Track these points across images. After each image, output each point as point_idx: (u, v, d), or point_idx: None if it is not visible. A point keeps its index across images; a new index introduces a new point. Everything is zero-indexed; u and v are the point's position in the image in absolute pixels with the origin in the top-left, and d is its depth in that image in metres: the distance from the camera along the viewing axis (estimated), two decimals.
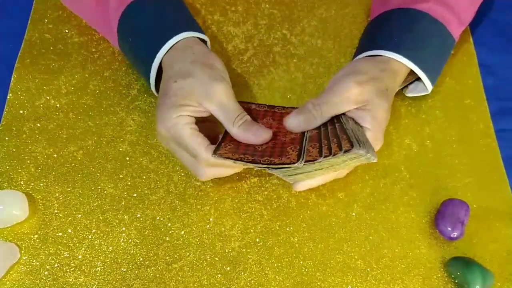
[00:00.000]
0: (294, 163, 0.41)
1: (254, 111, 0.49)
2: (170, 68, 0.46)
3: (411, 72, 0.51)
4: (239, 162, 0.42)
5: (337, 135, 0.43)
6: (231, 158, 0.42)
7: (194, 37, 0.49)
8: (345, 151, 0.40)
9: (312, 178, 0.45)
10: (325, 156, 0.41)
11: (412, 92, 0.55)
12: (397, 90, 0.51)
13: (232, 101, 0.44)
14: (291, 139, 0.45)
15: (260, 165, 0.42)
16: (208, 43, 0.51)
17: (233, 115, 0.43)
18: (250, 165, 0.43)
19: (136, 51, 0.50)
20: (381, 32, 0.51)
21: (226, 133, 0.45)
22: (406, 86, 0.56)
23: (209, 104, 0.43)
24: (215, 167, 0.44)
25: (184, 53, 0.46)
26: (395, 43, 0.49)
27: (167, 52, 0.47)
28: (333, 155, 0.41)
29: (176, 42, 0.47)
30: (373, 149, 0.44)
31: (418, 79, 0.53)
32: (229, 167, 0.45)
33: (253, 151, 0.43)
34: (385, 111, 0.46)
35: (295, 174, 0.44)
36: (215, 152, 0.43)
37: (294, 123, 0.45)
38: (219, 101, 0.43)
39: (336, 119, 0.46)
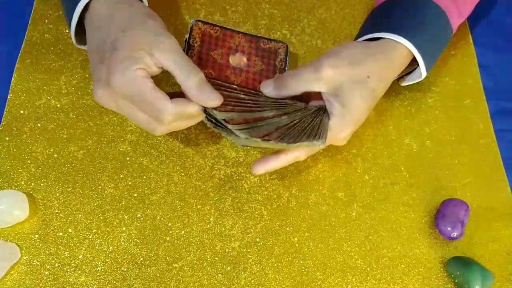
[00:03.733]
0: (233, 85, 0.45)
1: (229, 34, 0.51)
2: (109, 18, 0.43)
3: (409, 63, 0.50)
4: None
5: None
6: None
7: None
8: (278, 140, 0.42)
9: (254, 148, 0.45)
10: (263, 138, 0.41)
11: (407, 81, 0.54)
12: (391, 78, 0.49)
13: (185, 55, 0.42)
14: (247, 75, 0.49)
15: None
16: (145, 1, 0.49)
17: (190, 68, 0.41)
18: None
19: None
20: (381, 17, 0.51)
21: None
22: (402, 77, 0.55)
23: (163, 55, 0.41)
24: (177, 121, 0.43)
25: (123, 4, 0.44)
26: (394, 25, 0.48)
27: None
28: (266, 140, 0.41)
29: None
30: (319, 135, 0.44)
31: (412, 70, 0.52)
32: (190, 119, 0.44)
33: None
34: (361, 99, 0.45)
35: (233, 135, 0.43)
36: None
37: (266, 90, 0.47)
38: (174, 53, 0.41)
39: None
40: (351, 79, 0.44)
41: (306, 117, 0.45)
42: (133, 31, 0.41)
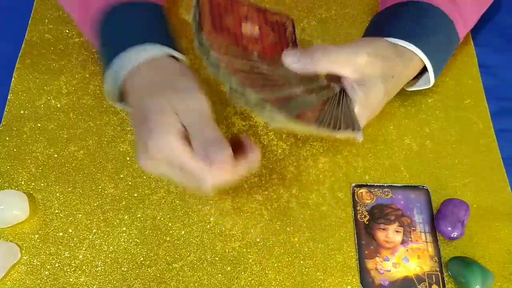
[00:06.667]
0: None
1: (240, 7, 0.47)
2: (143, 80, 0.42)
3: None
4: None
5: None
6: (223, 45, 0.41)
7: (168, 53, 0.45)
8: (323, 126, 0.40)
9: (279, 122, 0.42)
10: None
11: (414, 87, 0.55)
12: (403, 84, 0.50)
13: (212, 122, 0.40)
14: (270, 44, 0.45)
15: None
16: (184, 61, 0.47)
17: (218, 141, 0.38)
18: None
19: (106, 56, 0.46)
20: (391, 22, 0.51)
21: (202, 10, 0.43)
22: (408, 82, 0.55)
23: (187, 118, 0.39)
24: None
25: (156, 68, 0.43)
26: (406, 32, 0.48)
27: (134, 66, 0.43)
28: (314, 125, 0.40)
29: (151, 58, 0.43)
30: (358, 127, 0.43)
31: (419, 75, 0.53)
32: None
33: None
34: (380, 95, 0.44)
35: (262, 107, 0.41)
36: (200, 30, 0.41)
37: (289, 60, 0.44)
38: (199, 118, 0.39)
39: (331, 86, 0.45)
40: (380, 73, 0.44)
41: (331, 98, 0.44)
42: (163, 95, 0.40)
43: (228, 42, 0.44)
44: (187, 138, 0.39)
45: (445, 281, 0.48)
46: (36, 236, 0.48)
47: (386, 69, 0.45)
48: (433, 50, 0.49)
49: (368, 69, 0.44)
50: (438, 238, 0.50)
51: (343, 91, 0.45)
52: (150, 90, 0.41)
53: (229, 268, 0.48)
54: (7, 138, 0.53)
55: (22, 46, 0.58)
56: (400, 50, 0.47)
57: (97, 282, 0.47)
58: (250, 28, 0.46)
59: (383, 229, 0.49)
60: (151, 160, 0.40)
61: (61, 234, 0.49)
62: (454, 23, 0.50)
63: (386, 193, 0.51)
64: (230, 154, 0.38)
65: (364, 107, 0.44)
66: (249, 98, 0.40)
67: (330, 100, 0.43)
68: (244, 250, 0.49)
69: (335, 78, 0.46)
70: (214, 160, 0.38)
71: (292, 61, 0.44)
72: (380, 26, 0.52)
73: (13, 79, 0.56)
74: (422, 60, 0.49)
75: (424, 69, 0.50)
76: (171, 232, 0.49)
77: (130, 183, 0.51)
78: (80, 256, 0.48)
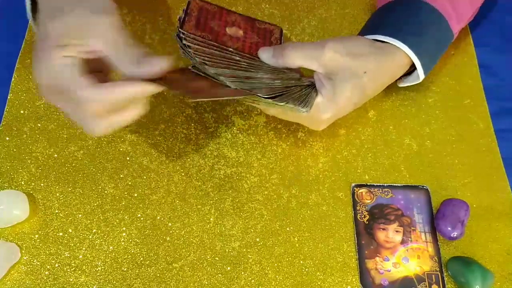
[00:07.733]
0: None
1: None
2: (47, 2, 0.40)
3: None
4: (204, 44, 0.44)
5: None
6: (198, 37, 0.44)
7: None
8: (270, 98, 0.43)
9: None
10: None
11: (404, 82, 0.55)
12: (387, 82, 0.50)
13: (123, 35, 0.38)
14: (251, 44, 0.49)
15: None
16: None
17: (126, 45, 0.38)
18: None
19: None
20: (380, 19, 0.51)
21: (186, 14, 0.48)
22: (400, 78, 0.55)
23: (95, 41, 0.37)
24: (104, 117, 0.38)
25: None
26: (393, 29, 0.49)
27: None
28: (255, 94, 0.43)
29: None
30: (305, 103, 0.44)
31: (412, 71, 0.53)
32: (121, 116, 0.39)
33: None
34: (350, 92, 0.45)
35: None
36: (181, 27, 0.45)
37: (264, 56, 0.47)
38: (108, 37, 0.37)
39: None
40: (347, 69, 0.45)
41: (297, 86, 0.46)
42: (64, 17, 0.38)
43: (206, 38, 0.47)
44: (87, 64, 0.38)
45: (445, 281, 0.48)
46: (36, 236, 0.48)
47: (355, 65, 0.45)
48: (423, 47, 0.49)
49: (333, 64, 0.45)
50: (438, 238, 0.50)
51: (314, 85, 0.46)
52: (52, 12, 0.39)
53: (229, 268, 0.48)
54: (7, 138, 0.53)
55: (22, 46, 0.58)
56: (379, 47, 0.48)
57: (97, 282, 0.47)
58: (234, 31, 0.50)
59: (383, 229, 0.49)
60: (47, 90, 0.38)
61: (61, 234, 0.49)
62: (447, 19, 0.50)
63: (386, 193, 0.51)
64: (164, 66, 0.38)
65: (330, 100, 0.45)
66: (207, 72, 0.43)
67: (295, 87, 0.45)
68: (244, 250, 0.49)
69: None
70: (152, 64, 0.37)
71: (267, 56, 0.47)
72: (373, 24, 0.52)
73: (13, 79, 0.56)
74: (410, 58, 0.49)
75: (414, 66, 0.50)
76: (171, 232, 0.49)
77: (130, 183, 0.51)
78: (80, 256, 0.48)
